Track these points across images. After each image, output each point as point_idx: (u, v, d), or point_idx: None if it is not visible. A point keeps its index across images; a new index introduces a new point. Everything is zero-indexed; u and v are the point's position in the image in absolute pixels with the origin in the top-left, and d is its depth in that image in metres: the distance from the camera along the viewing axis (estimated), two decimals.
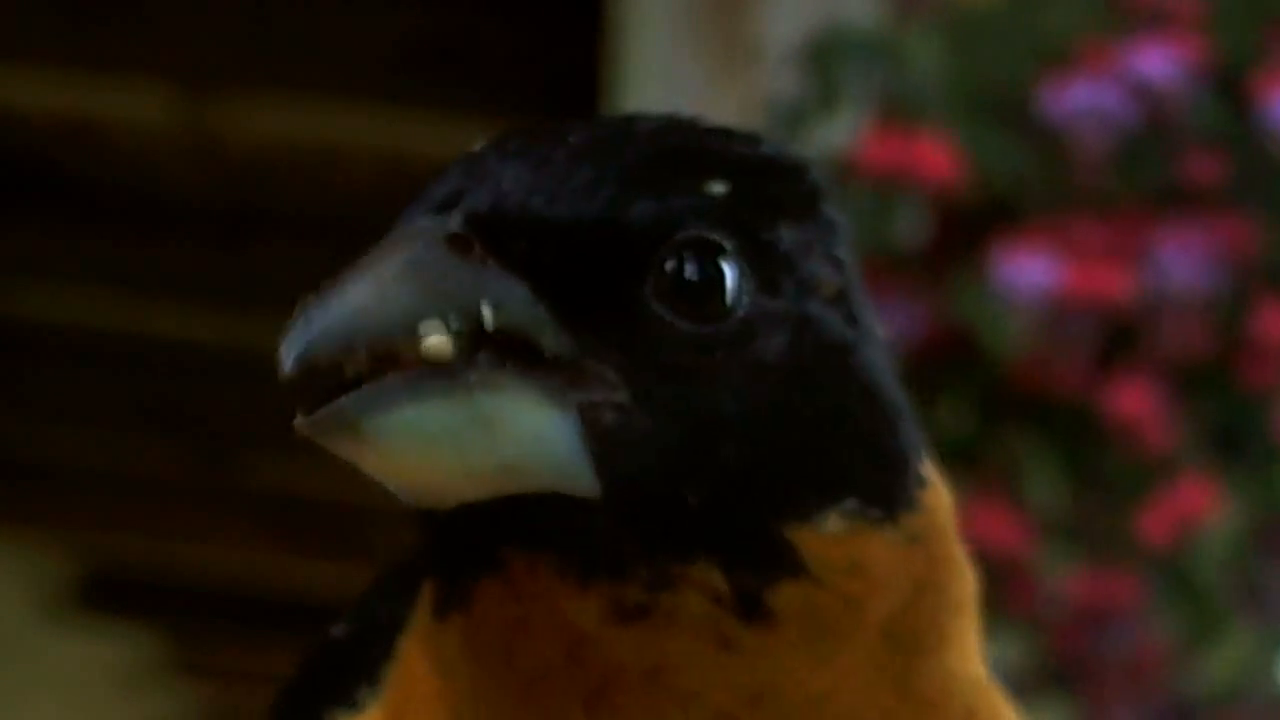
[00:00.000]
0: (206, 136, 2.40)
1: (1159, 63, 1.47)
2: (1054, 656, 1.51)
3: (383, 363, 0.45)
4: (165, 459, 3.18)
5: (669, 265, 0.46)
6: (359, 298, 0.45)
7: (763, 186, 0.48)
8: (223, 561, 3.74)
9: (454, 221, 0.46)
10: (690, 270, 0.46)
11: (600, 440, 0.45)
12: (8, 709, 3.85)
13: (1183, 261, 1.46)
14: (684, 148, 0.48)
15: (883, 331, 0.50)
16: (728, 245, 0.47)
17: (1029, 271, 1.45)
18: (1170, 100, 1.47)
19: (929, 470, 0.50)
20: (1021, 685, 1.52)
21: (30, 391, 2.99)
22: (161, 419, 3.03)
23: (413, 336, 0.45)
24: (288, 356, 0.45)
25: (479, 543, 0.46)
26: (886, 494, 0.48)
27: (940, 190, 1.48)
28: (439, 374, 0.45)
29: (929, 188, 1.48)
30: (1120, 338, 1.48)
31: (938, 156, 1.48)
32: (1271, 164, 1.49)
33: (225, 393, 2.96)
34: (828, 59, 1.57)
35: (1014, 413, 1.51)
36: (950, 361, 1.50)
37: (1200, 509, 1.46)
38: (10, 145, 2.49)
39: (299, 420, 0.45)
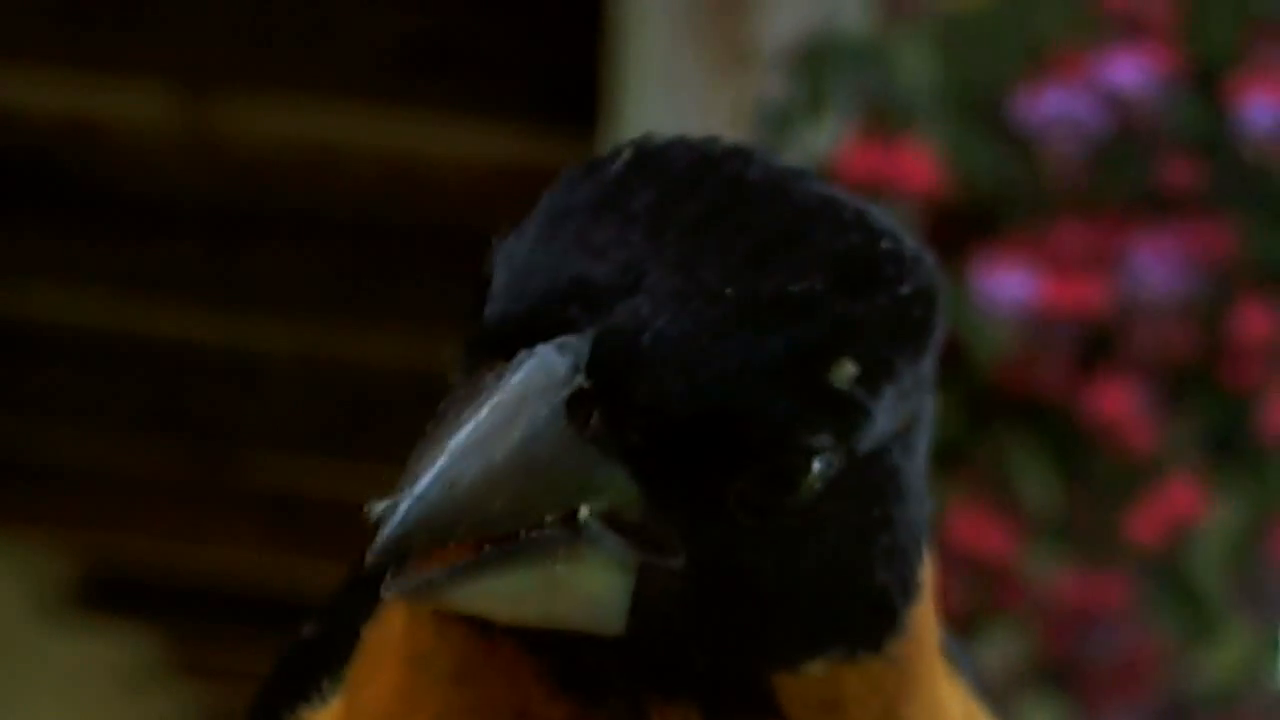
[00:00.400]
0: (206, 136, 2.40)
1: (1131, 72, 1.47)
2: (1046, 656, 1.51)
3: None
4: (165, 459, 3.18)
5: (768, 466, 0.46)
6: (466, 486, 0.44)
7: (890, 344, 0.47)
8: (223, 561, 3.74)
9: (577, 371, 0.44)
10: (785, 471, 0.46)
11: (646, 601, 0.46)
12: (8, 709, 3.85)
13: (1159, 266, 1.46)
14: (830, 319, 0.46)
15: (928, 438, 0.50)
16: (827, 445, 0.46)
17: (1007, 284, 1.45)
18: (1142, 108, 1.47)
19: (925, 568, 0.50)
20: (1016, 684, 1.52)
21: (30, 391, 2.99)
22: (161, 419, 3.02)
23: (508, 528, 0.45)
24: (384, 535, 0.44)
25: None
26: (879, 636, 0.48)
27: (921, 199, 1.49)
28: (527, 543, 0.45)
29: (910, 197, 1.49)
30: (1101, 343, 1.49)
31: (919, 166, 1.49)
32: (1248, 166, 1.49)
33: (225, 393, 2.96)
34: (816, 64, 1.58)
35: (1002, 414, 1.51)
36: (939, 364, 1.50)
37: (1188, 510, 1.46)
38: (10, 145, 2.49)
39: (387, 583, 0.45)
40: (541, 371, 0.44)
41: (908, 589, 0.49)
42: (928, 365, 0.49)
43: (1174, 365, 1.48)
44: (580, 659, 0.47)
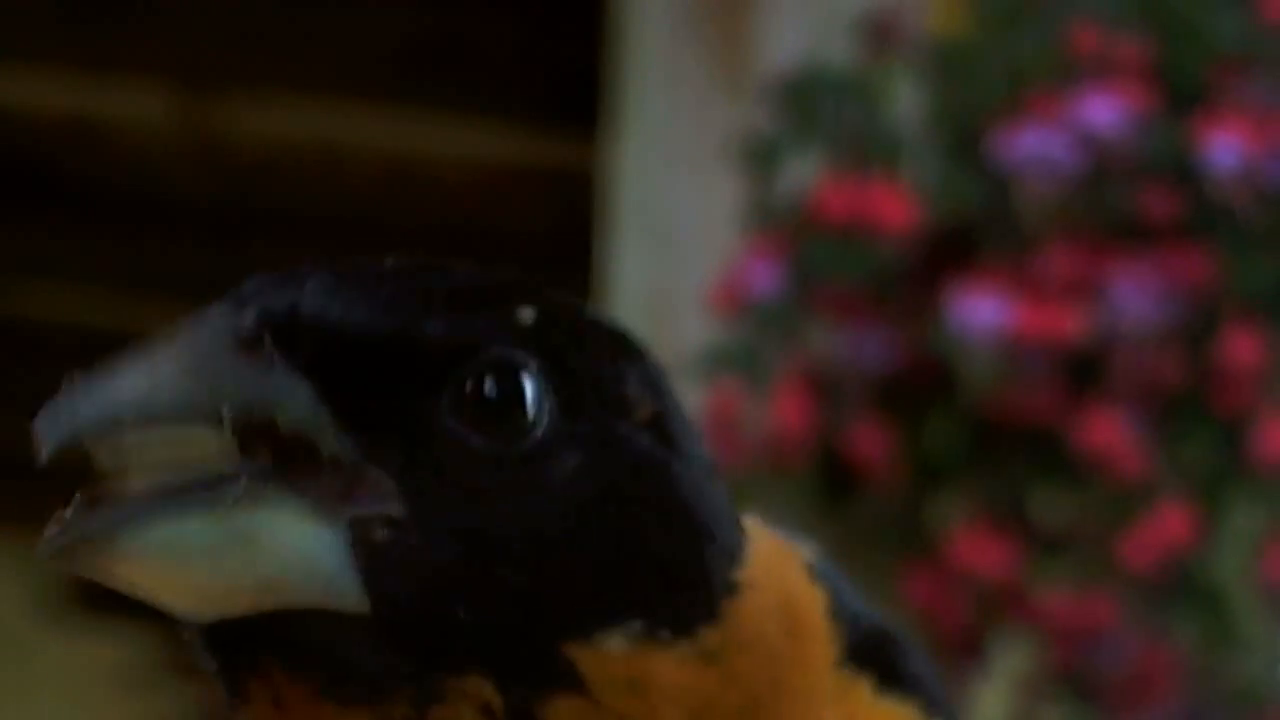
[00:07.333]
0: (206, 136, 2.40)
1: (1103, 111, 1.48)
2: (1058, 668, 1.51)
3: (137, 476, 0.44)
4: None
5: (468, 382, 0.46)
6: (130, 383, 0.44)
7: (574, 322, 0.48)
8: None
9: (246, 318, 0.45)
10: (490, 388, 0.46)
11: (369, 557, 0.44)
12: (8, 709, 3.85)
13: (1139, 295, 1.47)
14: (500, 283, 0.48)
15: (706, 455, 0.50)
16: (531, 366, 0.46)
17: (982, 311, 1.46)
18: (1115, 145, 1.49)
19: (752, 573, 0.49)
20: (1031, 695, 1.52)
21: (30, 391, 2.99)
22: None
23: (181, 426, 0.44)
24: (45, 437, 0.44)
25: (244, 656, 0.46)
26: (678, 614, 0.47)
27: (896, 234, 1.50)
28: (193, 489, 0.44)
29: (886, 233, 1.50)
30: (1086, 370, 1.49)
31: (894, 202, 1.50)
32: (1217, 201, 1.50)
33: None
34: (802, 96, 1.59)
35: (997, 437, 1.51)
36: (931, 388, 1.51)
37: (1180, 533, 1.47)
38: (10, 145, 2.49)
39: (41, 546, 0.44)
40: (207, 317, 0.46)
41: (710, 577, 0.48)
42: (650, 374, 0.49)
43: (1161, 393, 1.49)
44: (342, 656, 0.45)
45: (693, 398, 1.70)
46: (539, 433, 0.46)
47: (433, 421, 0.45)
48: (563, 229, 2.26)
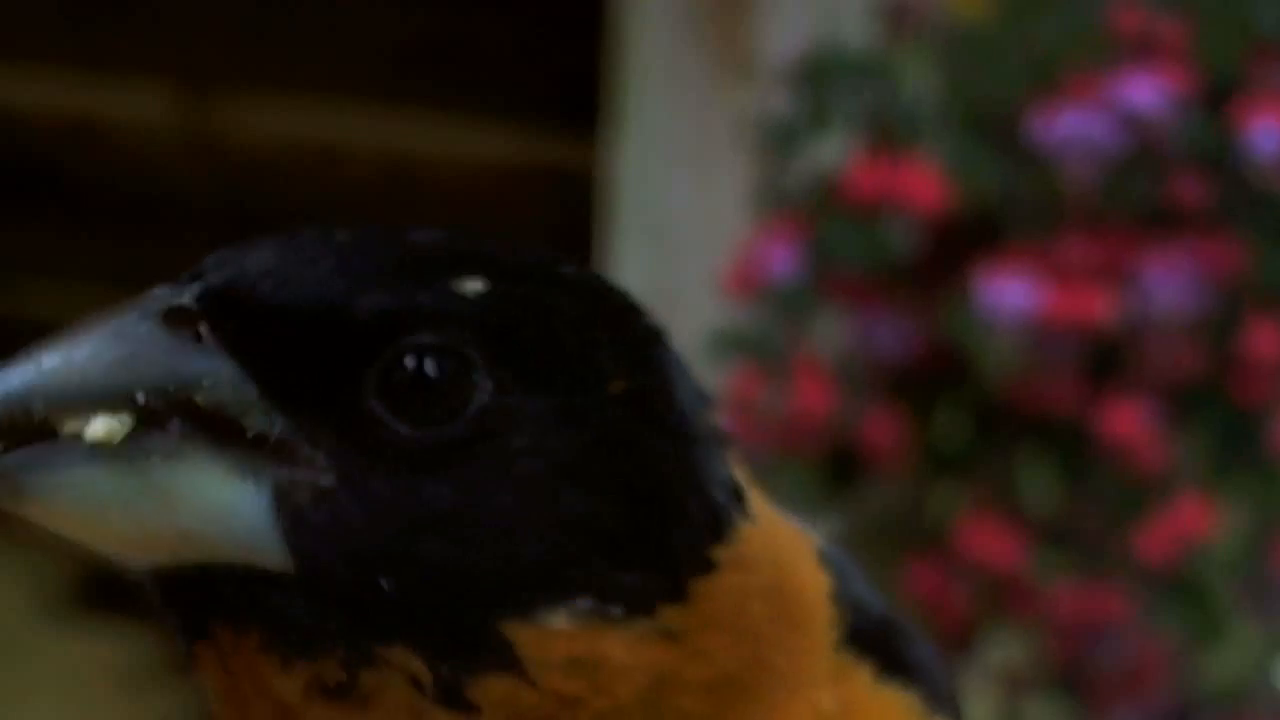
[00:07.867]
0: (207, 136, 2.40)
1: (1145, 92, 1.47)
2: (1055, 662, 1.51)
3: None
4: None
5: (392, 365, 0.45)
6: (49, 363, 0.44)
7: (534, 292, 0.47)
8: None
9: (185, 296, 0.46)
10: (413, 372, 0.45)
11: (293, 518, 0.45)
12: (8, 709, 3.85)
13: (1168, 283, 1.46)
14: (455, 250, 0.47)
15: (709, 427, 0.49)
16: (464, 344, 0.46)
17: (1010, 294, 1.45)
18: (1156, 128, 1.47)
19: (740, 551, 0.48)
20: (1024, 687, 1.52)
21: None
22: None
23: (91, 409, 0.44)
24: None
25: (190, 610, 0.46)
26: (633, 592, 0.46)
27: (926, 214, 1.49)
28: (114, 442, 0.44)
29: (914, 213, 1.49)
30: (1109, 358, 1.48)
31: (923, 181, 1.49)
32: (1256, 187, 1.49)
33: None
34: (819, 77, 1.58)
35: (1009, 426, 1.51)
36: (944, 376, 1.51)
37: (1197, 527, 1.46)
38: (10, 145, 2.49)
39: None
40: (144, 299, 0.46)
41: (674, 555, 0.47)
42: (632, 342, 0.49)
43: (1182, 381, 1.48)
44: (277, 611, 0.45)
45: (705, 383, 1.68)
46: (469, 415, 0.46)
47: (360, 401, 0.45)
48: (563, 229, 2.26)
